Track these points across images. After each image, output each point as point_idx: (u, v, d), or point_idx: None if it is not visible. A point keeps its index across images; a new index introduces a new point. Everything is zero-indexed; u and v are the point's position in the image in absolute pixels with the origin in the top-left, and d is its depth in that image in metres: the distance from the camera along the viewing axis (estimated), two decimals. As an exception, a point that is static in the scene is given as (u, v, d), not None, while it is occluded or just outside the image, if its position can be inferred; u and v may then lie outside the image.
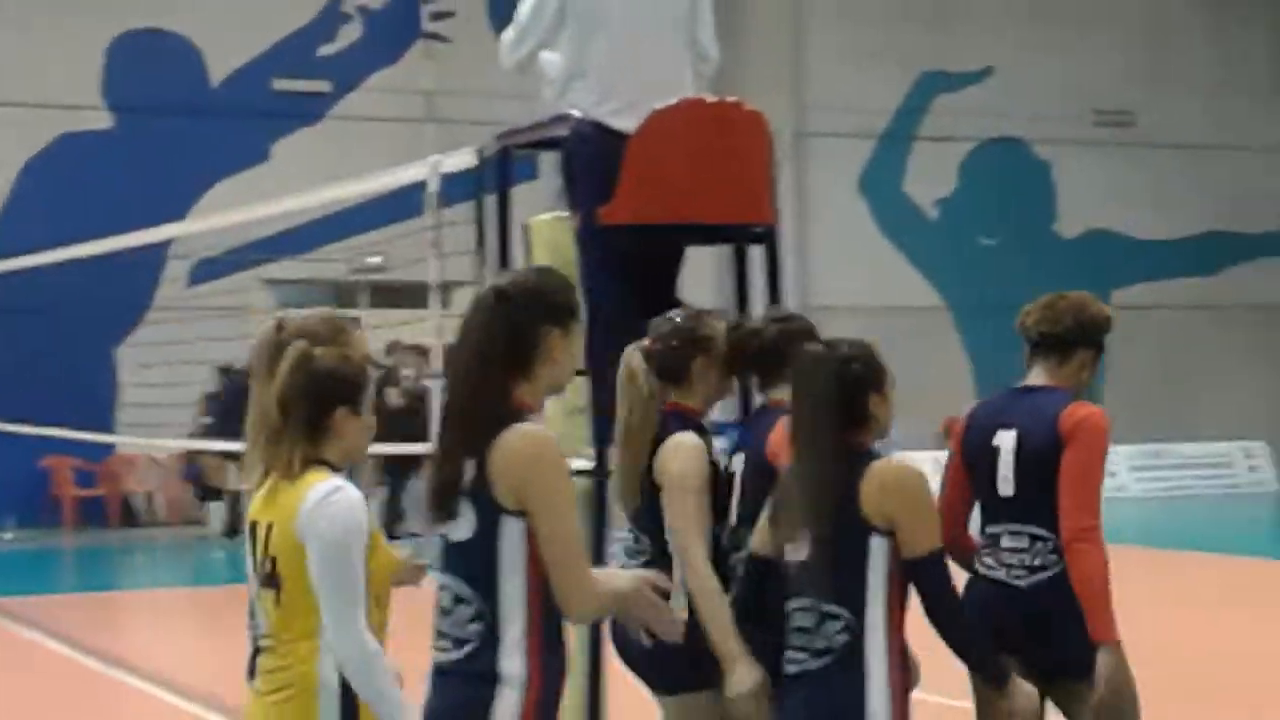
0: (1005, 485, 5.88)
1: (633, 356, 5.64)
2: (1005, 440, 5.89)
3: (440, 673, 4.63)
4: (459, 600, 4.58)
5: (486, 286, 4.74)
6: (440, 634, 4.64)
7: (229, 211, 19.01)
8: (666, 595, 4.94)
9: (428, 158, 10.02)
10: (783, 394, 5.71)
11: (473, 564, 4.55)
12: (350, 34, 26.22)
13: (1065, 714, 5.92)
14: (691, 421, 5.72)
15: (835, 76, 28.22)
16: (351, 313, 26.16)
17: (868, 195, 28.91)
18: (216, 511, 23.68)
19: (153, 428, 22.59)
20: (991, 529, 5.92)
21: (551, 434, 4.64)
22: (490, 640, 4.52)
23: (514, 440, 4.49)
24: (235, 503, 22.71)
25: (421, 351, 21.10)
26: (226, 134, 24.99)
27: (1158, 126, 30.25)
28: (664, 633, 4.83)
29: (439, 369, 11.37)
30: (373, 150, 22.13)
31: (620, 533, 5.85)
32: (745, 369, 5.96)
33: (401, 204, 14.72)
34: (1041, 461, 5.79)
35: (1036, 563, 5.81)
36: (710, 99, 7.36)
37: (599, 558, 6.26)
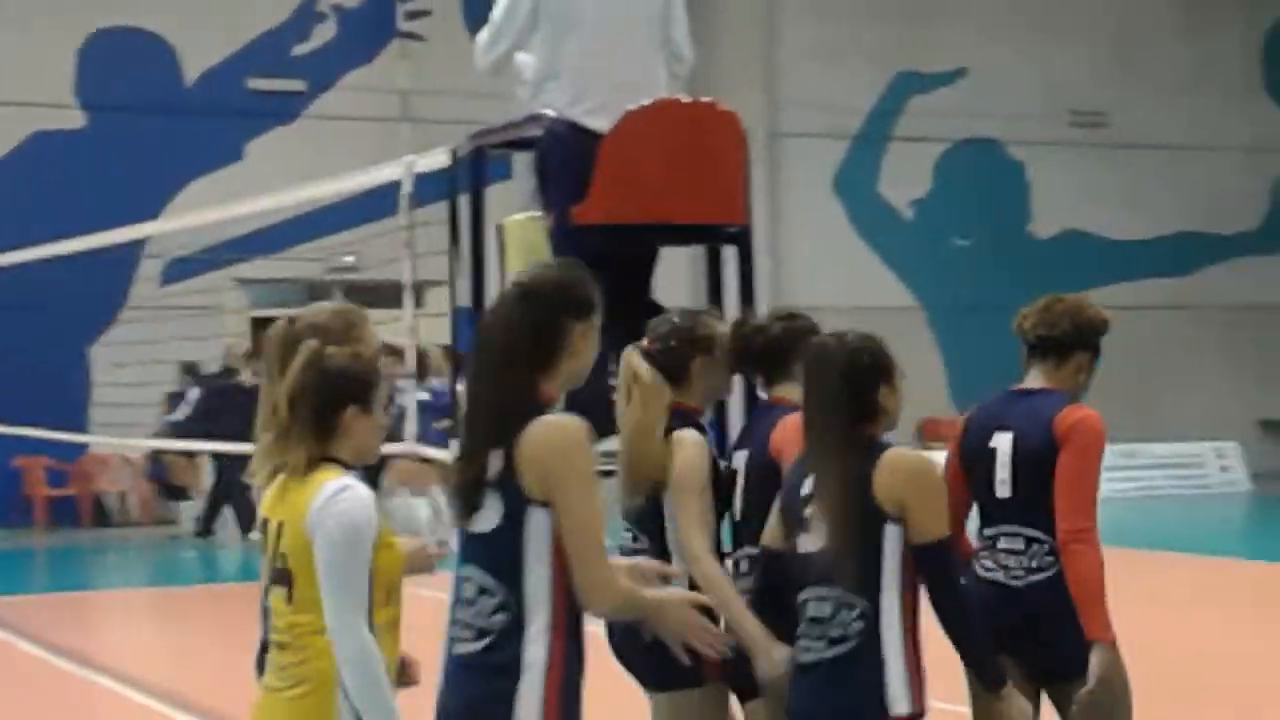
0: (1002, 488, 5.93)
1: (633, 357, 5.64)
2: (1002, 442, 5.94)
3: (459, 663, 4.68)
4: (483, 591, 4.64)
5: (509, 283, 4.79)
6: (461, 624, 4.68)
7: (203, 211, 18.98)
8: (668, 581, 5.06)
9: (402, 157, 10.01)
10: (786, 391, 5.84)
11: (498, 554, 4.61)
12: (325, 33, 26.17)
13: (1061, 714, 5.95)
14: (691, 420, 5.76)
15: (809, 77, 28.22)
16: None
17: (842, 196, 28.91)
18: (189, 510, 23.64)
19: (126, 427, 22.53)
20: (989, 531, 5.97)
21: (581, 424, 4.67)
22: (515, 630, 4.57)
23: (542, 431, 4.57)
24: (218, 502, 22.69)
25: (394, 351, 21.09)
26: (201, 133, 24.92)
27: (1132, 127, 30.30)
28: (706, 648, 4.90)
29: (411, 369, 11.38)
30: (347, 150, 22.10)
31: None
32: (749, 366, 6.01)
33: (376, 204, 14.68)
34: (1037, 464, 5.84)
35: (1034, 564, 5.86)
36: (684, 99, 7.37)
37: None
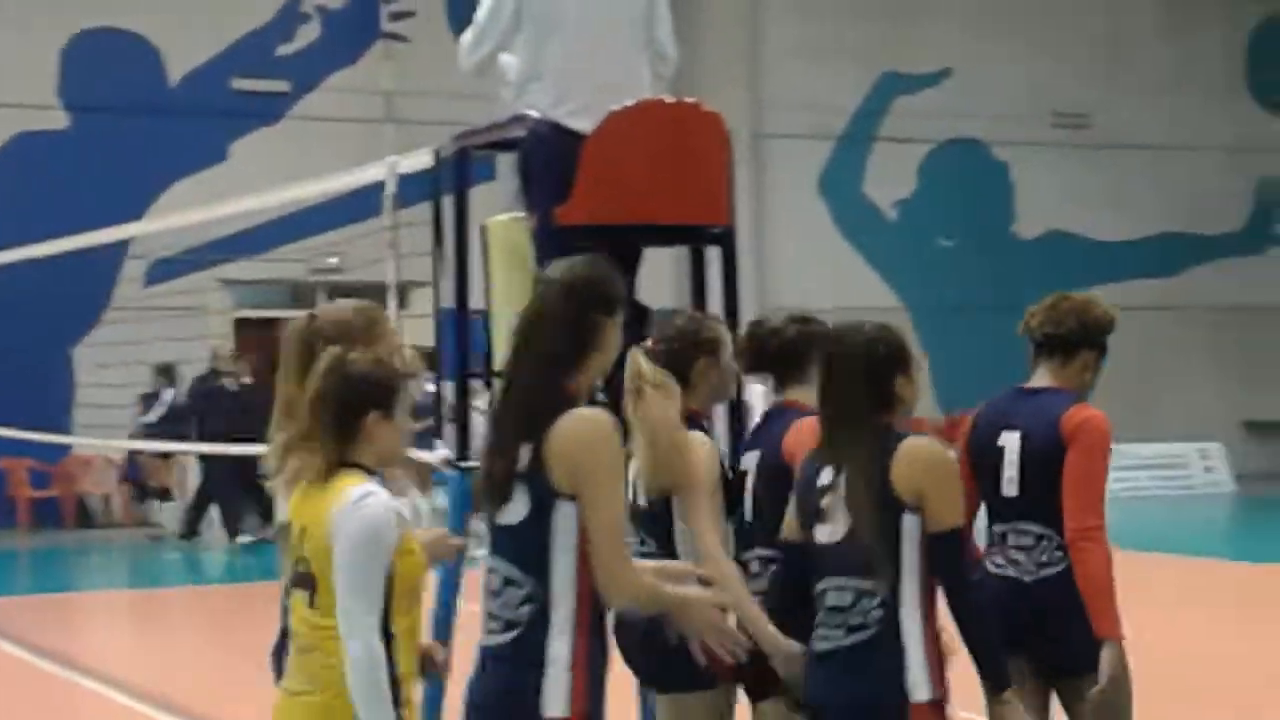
0: (1010, 486, 5.99)
1: (638, 357, 5.64)
2: (1010, 441, 6.00)
3: (489, 654, 4.74)
4: (509, 582, 4.69)
5: (548, 281, 4.82)
6: (490, 615, 4.74)
7: (187, 211, 18.95)
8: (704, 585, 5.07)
9: (386, 158, 10.00)
10: (798, 395, 5.91)
11: (524, 547, 4.66)
12: (309, 34, 26.14)
13: (1068, 709, 6.00)
14: (695, 422, 5.80)
15: (794, 77, 28.23)
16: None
17: (827, 196, 28.93)
18: (171, 512, 23.61)
19: (109, 429, 22.51)
20: (998, 527, 6.04)
21: (610, 419, 4.72)
22: (541, 622, 4.62)
23: (572, 424, 4.61)
24: (203, 504, 22.67)
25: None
26: (184, 134, 24.89)
27: (1115, 128, 30.34)
28: (723, 652, 4.92)
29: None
30: (331, 150, 22.05)
31: None
32: (762, 368, 6.04)
33: (360, 205, 14.65)
34: (1045, 462, 5.90)
35: (1043, 559, 5.92)
36: (668, 100, 7.36)
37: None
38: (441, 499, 15.23)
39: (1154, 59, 30.79)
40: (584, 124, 7.09)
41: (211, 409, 21.87)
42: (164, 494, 23.79)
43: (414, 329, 10.56)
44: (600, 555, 4.60)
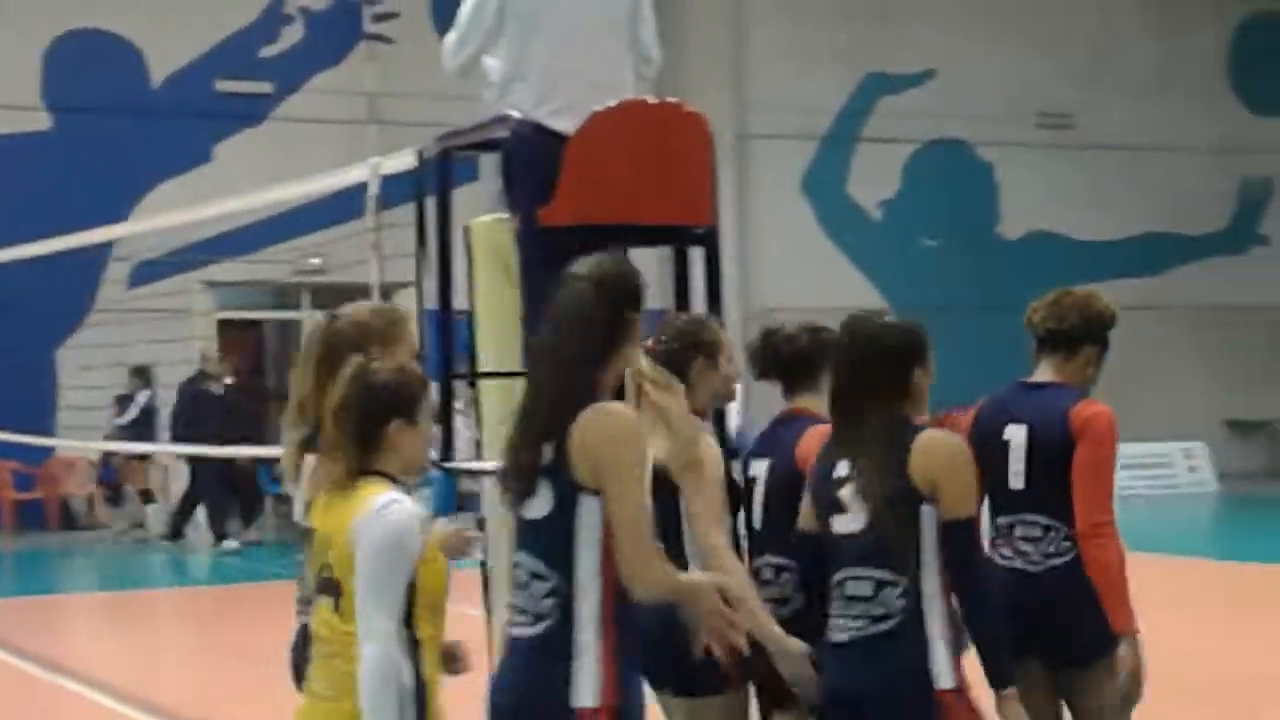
0: (1016, 479, 6.04)
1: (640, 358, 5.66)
2: (1016, 434, 6.05)
3: (518, 646, 4.79)
4: (535, 576, 4.74)
5: (577, 278, 4.85)
6: (517, 609, 4.80)
7: (171, 213, 18.91)
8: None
9: (368, 159, 9.99)
10: (807, 402, 5.97)
11: (549, 541, 4.71)
12: (292, 35, 26.12)
13: (1071, 700, 6.04)
14: None
15: (778, 78, 28.24)
16: (294, 315, 26.15)
17: (810, 196, 28.94)
18: (154, 514, 23.58)
19: (93, 431, 22.50)
20: (1003, 519, 6.07)
21: (633, 413, 4.78)
22: (566, 615, 4.67)
23: (595, 419, 4.65)
24: (191, 506, 22.64)
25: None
26: (168, 135, 24.85)
27: (1099, 128, 30.37)
28: (719, 640, 4.95)
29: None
30: (315, 152, 22.02)
31: None
32: (773, 375, 6.09)
33: (343, 206, 14.66)
34: (1053, 456, 5.96)
35: (1051, 549, 5.98)
36: (651, 100, 7.35)
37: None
38: (426, 499, 15.20)
39: (1138, 59, 30.83)
40: (567, 124, 7.08)
41: (200, 412, 21.84)
42: (144, 496, 23.74)
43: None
44: (625, 548, 4.63)
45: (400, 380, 4.89)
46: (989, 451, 6.00)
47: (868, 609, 5.15)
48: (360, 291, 9.17)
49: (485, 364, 7.39)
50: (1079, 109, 30.41)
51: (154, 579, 20.53)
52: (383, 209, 9.96)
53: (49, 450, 23.50)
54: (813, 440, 5.63)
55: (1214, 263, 31.45)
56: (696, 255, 7.50)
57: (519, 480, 4.76)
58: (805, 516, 5.45)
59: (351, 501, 4.77)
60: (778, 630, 5.45)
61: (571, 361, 4.73)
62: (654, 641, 5.40)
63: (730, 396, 6.17)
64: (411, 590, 4.72)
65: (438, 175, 7.68)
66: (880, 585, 5.14)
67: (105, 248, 22.95)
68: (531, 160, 7.10)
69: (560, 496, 4.68)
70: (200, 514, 22.65)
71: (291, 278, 25.38)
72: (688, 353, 5.85)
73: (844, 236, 29.00)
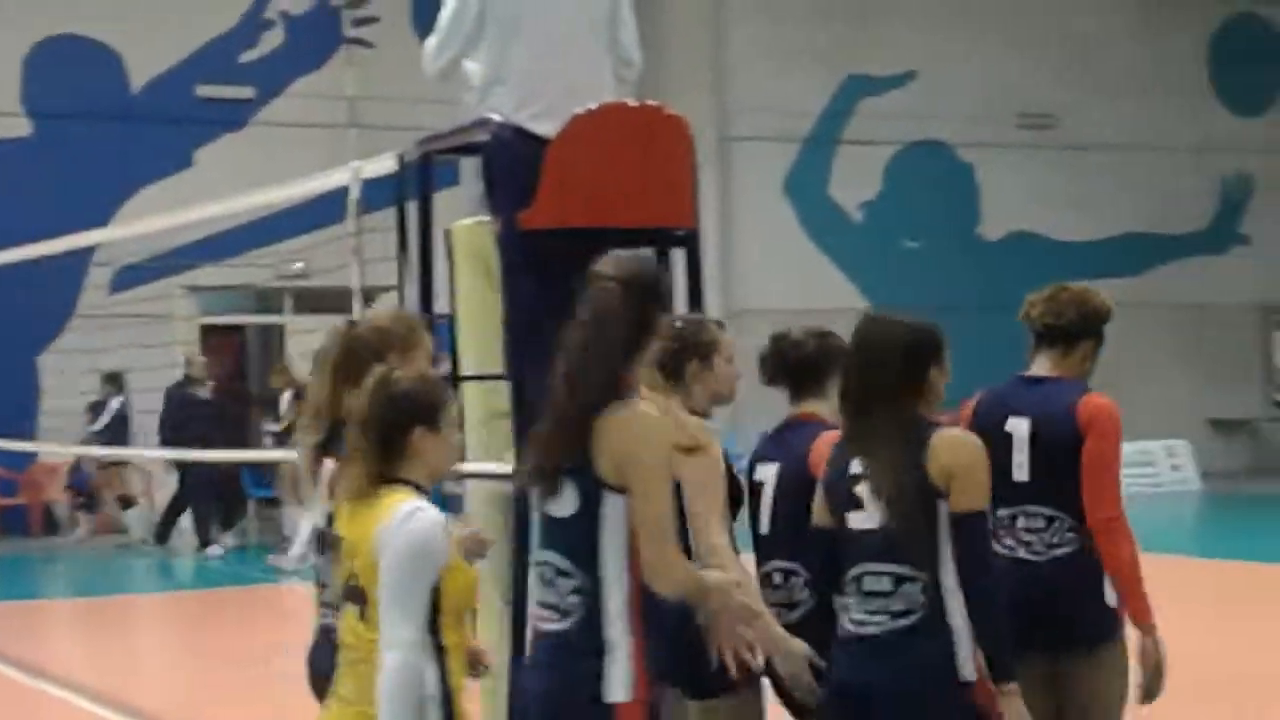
0: (1020, 471, 6.07)
1: None
2: (1019, 427, 6.09)
3: (546, 641, 4.83)
4: (560, 573, 4.78)
5: (605, 277, 4.88)
6: (544, 604, 4.83)
7: (152, 218, 18.88)
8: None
9: (349, 164, 9.99)
10: (812, 407, 6.03)
11: (575, 539, 4.75)
12: (273, 40, 26.09)
13: (1067, 689, 6.04)
14: None
15: (759, 80, 28.23)
16: (276, 319, 26.13)
17: (792, 198, 28.94)
18: (135, 519, 23.55)
19: (76, 436, 22.47)
20: (1004, 511, 6.07)
21: (660, 414, 4.81)
22: (592, 611, 4.71)
23: (623, 419, 4.70)
24: (177, 511, 22.61)
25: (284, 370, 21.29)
26: (149, 140, 24.81)
27: (1080, 129, 30.41)
28: (732, 642, 4.94)
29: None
30: (296, 156, 21.96)
31: None
32: (780, 380, 6.12)
33: (324, 210, 14.67)
34: (1060, 449, 6.00)
35: (1054, 540, 6.02)
36: (631, 103, 7.36)
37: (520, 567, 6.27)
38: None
39: (1118, 60, 30.86)
40: (547, 128, 7.09)
41: (186, 417, 21.81)
42: (123, 501, 23.72)
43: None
44: (647, 546, 4.67)
45: (422, 388, 4.94)
46: (990, 444, 6.04)
47: (887, 604, 5.18)
48: (342, 295, 9.19)
49: (466, 367, 7.41)
50: (1059, 109, 30.43)
51: (137, 584, 20.50)
52: (364, 213, 9.96)
53: (31, 456, 23.47)
54: (824, 446, 5.66)
55: (1195, 262, 31.50)
56: (678, 257, 7.51)
57: (544, 478, 4.80)
58: (819, 513, 5.48)
59: (376, 510, 4.81)
60: (780, 630, 5.47)
61: (599, 360, 4.76)
62: (669, 642, 5.43)
63: (730, 398, 6.20)
64: (436, 597, 4.75)
65: (418, 179, 7.69)
66: (899, 580, 5.17)
67: (87, 253, 22.89)
68: (512, 164, 7.11)
69: (586, 495, 4.72)
70: (184, 518, 22.62)
71: (273, 282, 25.35)
72: (683, 354, 5.87)
73: (825, 238, 29.00)
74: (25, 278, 20.41)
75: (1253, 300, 31.63)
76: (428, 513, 4.77)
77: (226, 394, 23.66)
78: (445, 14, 7.49)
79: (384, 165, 8.54)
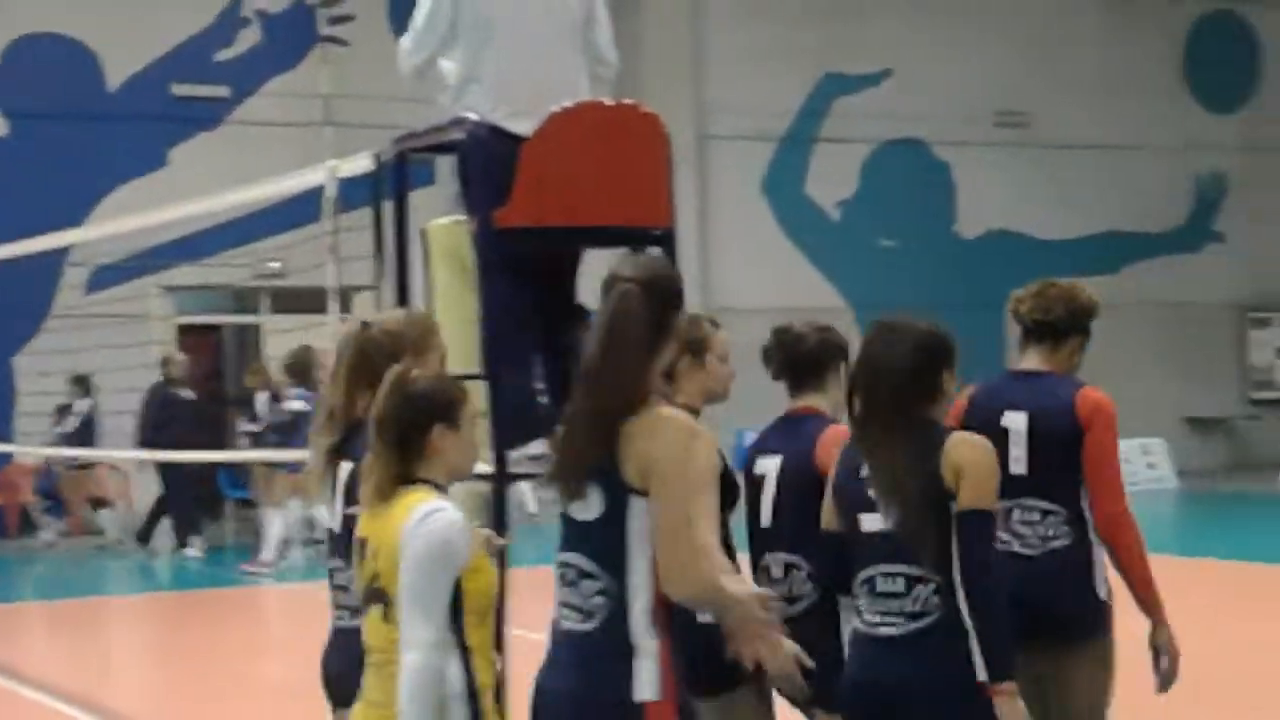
0: (1016, 465, 6.11)
1: None
2: (1015, 422, 6.15)
3: (569, 641, 4.81)
4: (584, 575, 4.76)
5: (624, 280, 4.86)
6: (567, 605, 4.81)
7: (127, 218, 18.83)
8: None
9: (325, 163, 9.97)
10: (811, 401, 6.07)
11: (600, 543, 4.74)
12: (249, 39, 26.03)
13: (1056, 679, 6.09)
14: None
15: (736, 79, 28.23)
16: (253, 319, 26.07)
17: (769, 197, 28.94)
18: (110, 520, 23.50)
19: (50, 437, 22.40)
20: (1001, 504, 6.08)
21: (684, 415, 4.79)
22: (619, 614, 4.69)
23: (645, 421, 4.69)
24: (160, 513, 22.56)
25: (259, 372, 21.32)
26: (124, 139, 24.74)
27: (1057, 127, 30.44)
28: (748, 656, 4.94)
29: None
30: (272, 155, 21.94)
31: None
32: (782, 373, 6.17)
33: (301, 209, 14.62)
34: (1059, 443, 6.07)
35: (1049, 533, 6.09)
36: (607, 102, 7.35)
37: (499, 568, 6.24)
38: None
39: (1094, 58, 30.91)
40: (523, 126, 7.07)
41: (168, 417, 21.76)
42: (96, 503, 23.66)
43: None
44: (664, 548, 4.65)
45: (440, 386, 4.96)
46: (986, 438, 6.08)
47: (901, 605, 5.21)
48: (319, 295, 9.17)
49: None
50: (1036, 108, 30.46)
51: (114, 585, 20.45)
52: (340, 212, 9.94)
53: (7, 457, 23.39)
54: (832, 444, 5.69)
55: (1171, 260, 31.55)
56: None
57: (567, 481, 4.79)
58: (829, 515, 5.50)
59: (396, 510, 4.82)
60: (778, 636, 5.46)
61: (621, 362, 4.75)
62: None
63: (724, 396, 6.20)
64: (458, 597, 4.76)
65: (394, 178, 7.67)
66: (912, 582, 5.19)
67: (62, 253, 22.81)
68: (488, 162, 7.10)
69: (612, 498, 4.71)
70: (166, 520, 22.58)
71: (250, 282, 25.29)
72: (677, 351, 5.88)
73: (803, 236, 29.01)
74: (0, 278, 20.35)
75: (1228, 298, 31.71)
76: (446, 513, 4.78)
77: (203, 394, 23.61)
78: (420, 14, 7.47)
79: (360, 164, 8.52)
